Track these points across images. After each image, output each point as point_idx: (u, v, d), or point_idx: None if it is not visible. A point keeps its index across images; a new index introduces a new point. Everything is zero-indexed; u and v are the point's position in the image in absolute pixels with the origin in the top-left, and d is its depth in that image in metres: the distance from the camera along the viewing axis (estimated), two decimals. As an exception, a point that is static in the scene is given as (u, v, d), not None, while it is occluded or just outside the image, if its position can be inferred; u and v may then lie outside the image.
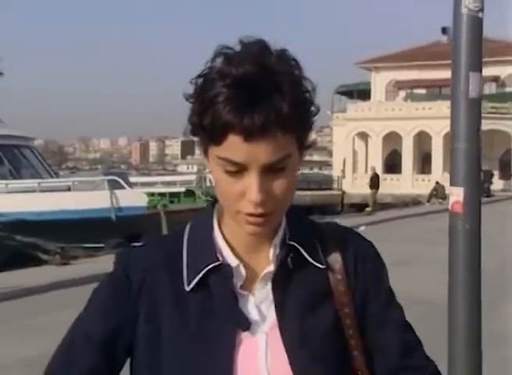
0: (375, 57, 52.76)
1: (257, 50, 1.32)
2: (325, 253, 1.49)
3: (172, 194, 23.01)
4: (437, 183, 36.67)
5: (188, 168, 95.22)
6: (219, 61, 1.34)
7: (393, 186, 44.74)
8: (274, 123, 1.27)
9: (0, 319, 8.99)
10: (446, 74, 34.59)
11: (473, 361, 3.15)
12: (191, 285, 1.42)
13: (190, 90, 1.37)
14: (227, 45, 1.36)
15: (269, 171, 1.31)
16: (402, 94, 50.80)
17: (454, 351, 3.02)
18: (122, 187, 20.88)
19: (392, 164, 47.95)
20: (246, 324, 1.41)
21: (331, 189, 44.36)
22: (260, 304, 1.43)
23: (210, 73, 1.34)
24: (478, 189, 3.57)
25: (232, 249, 1.45)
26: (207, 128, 1.31)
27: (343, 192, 40.90)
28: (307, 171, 65.19)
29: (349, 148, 49.59)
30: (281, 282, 1.44)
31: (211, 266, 1.41)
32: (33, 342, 7.43)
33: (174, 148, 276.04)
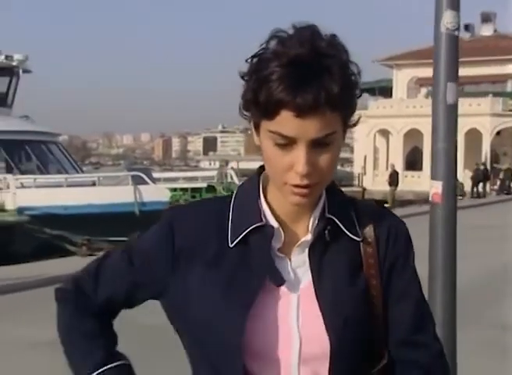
0: (396, 54, 52.55)
1: (309, 34, 1.39)
2: (360, 227, 1.56)
3: (193, 190, 23.27)
4: (456, 179, 37.17)
5: (210, 164, 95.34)
6: (273, 43, 1.41)
7: (414, 183, 44.62)
8: (324, 101, 1.35)
9: (29, 306, 9.47)
10: (468, 71, 34.52)
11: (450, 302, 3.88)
12: (235, 242, 1.50)
13: (245, 69, 1.43)
14: (281, 29, 1.42)
15: (316, 146, 1.38)
16: (423, 91, 50.49)
17: (434, 294, 3.87)
18: (146, 183, 21.26)
19: (414, 161, 47.79)
20: (280, 281, 1.47)
21: (352, 186, 44.02)
22: (296, 268, 1.50)
23: (265, 53, 1.41)
24: (455, 183, 4.13)
25: (275, 216, 1.51)
26: (261, 104, 1.38)
27: (364, 189, 40.40)
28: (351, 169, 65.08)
29: (370, 145, 49.49)
30: (318, 251, 1.51)
31: (255, 225, 1.49)
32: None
33: (196, 144, 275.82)
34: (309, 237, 1.51)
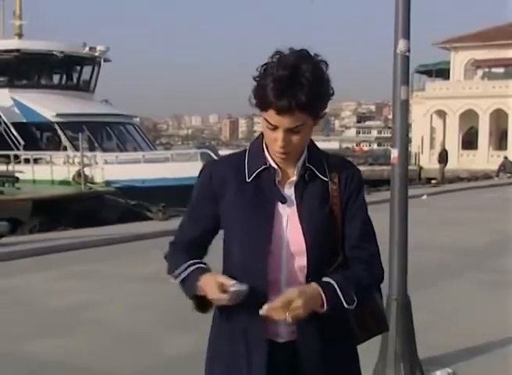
0: (454, 37, 51.61)
1: (295, 59, 2.01)
2: (329, 172, 2.15)
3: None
4: (505, 158, 36.79)
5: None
6: (275, 58, 2.03)
7: (470, 162, 45.05)
8: (294, 106, 1.97)
9: (119, 255, 11.43)
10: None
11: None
12: (251, 178, 2.14)
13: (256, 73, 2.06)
14: (281, 50, 2.04)
15: (290, 131, 2.02)
16: (480, 72, 50.08)
17: (393, 255, 5.08)
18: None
19: (470, 141, 47.69)
20: (284, 199, 2.13)
21: (409, 164, 43.24)
22: (287, 196, 2.14)
23: (267, 66, 2.04)
24: (407, 150, 5.39)
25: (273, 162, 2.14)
26: (259, 101, 2.05)
27: (421, 167, 40.11)
28: (388, 147, 64.78)
29: (427, 125, 49.28)
30: (300, 187, 2.14)
31: (264, 166, 2.14)
32: (145, 266, 9.87)
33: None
34: (295, 178, 2.13)
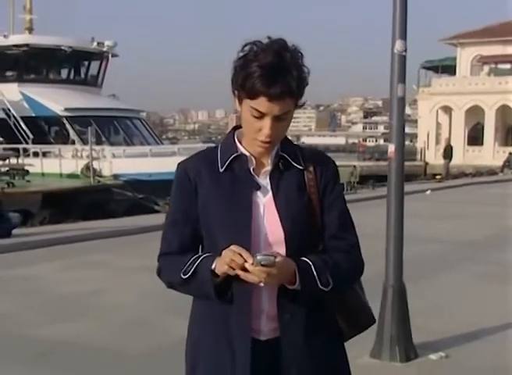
0: (460, 33, 51.25)
1: (278, 47, 2.00)
2: (304, 162, 2.15)
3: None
4: (510, 154, 36.79)
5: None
6: (254, 48, 2.01)
7: (476, 157, 45.10)
8: (286, 93, 1.98)
9: (126, 246, 11.69)
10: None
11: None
12: (224, 167, 2.12)
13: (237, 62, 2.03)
14: (258, 39, 2.02)
15: (277, 119, 2.02)
16: (486, 69, 49.69)
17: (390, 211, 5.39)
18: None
19: (476, 137, 47.57)
20: (258, 187, 2.11)
21: (415, 160, 43.34)
22: (263, 186, 2.13)
23: (248, 54, 2.01)
24: (403, 145, 5.63)
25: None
26: (246, 90, 2.00)
27: (426, 163, 40.66)
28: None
29: (432, 121, 49.08)
30: (275, 176, 2.13)
31: (235, 154, 2.13)
32: (151, 257, 10.30)
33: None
34: (269, 167, 2.13)
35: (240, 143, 2.15)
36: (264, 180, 2.13)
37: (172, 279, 2.15)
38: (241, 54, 2.03)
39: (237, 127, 2.20)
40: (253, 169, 2.12)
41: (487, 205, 18.43)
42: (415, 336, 5.57)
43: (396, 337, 5.39)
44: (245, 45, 2.03)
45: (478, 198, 21.22)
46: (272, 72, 1.96)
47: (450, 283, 8.63)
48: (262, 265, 1.92)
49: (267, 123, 2.02)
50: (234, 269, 1.96)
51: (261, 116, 2.01)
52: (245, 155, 2.13)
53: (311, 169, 2.15)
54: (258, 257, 1.92)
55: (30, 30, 33.15)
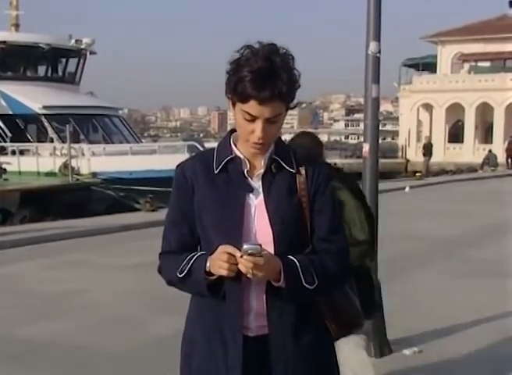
0: (441, 31, 51.62)
1: (268, 51, 2.07)
2: (296, 165, 2.20)
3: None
4: (489, 151, 36.88)
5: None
6: (246, 52, 2.08)
7: (456, 155, 45.21)
8: (276, 96, 2.04)
9: (108, 244, 11.81)
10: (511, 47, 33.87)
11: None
12: (218, 169, 2.19)
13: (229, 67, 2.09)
14: (250, 44, 2.09)
15: (268, 122, 2.08)
16: (466, 66, 49.92)
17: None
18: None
19: (456, 134, 47.80)
20: (251, 189, 2.17)
21: (396, 157, 43.86)
22: (255, 188, 2.18)
23: (240, 59, 2.08)
24: (377, 145, 5.75)
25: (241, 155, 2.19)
26: (238, 93, 2.07)
27: (407, 160, 40.95)
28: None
29: (413, 118, 49.36)
30: (267, 179, 2.18)
31: (229, 157, 2.19)
32: (132, 256, 10.28)
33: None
34: (262, 170, 2.19)
35: (236, 146, 2.22)
36: (257, 183, 2.19)
37: (171, 277, 2.22)
38: (234, 59, 2.10)
39: (234, 130, 2.25)
40: (247, 172, 2.19)
41: (463, 203, 18.57)
42: (390, 332, 5.67)
43: (370, 333, 5.47)
44: (237, 50, 2.10)
45: (456, 196, 21.34)
46: (262, 76, 2.03)
47: (425, 281, 8.74)
48: (249, 254, 1.98)
49: (258, 125, 2.09)
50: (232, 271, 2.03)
51: (252, 119, 2.08)
52: (239, 158, 2.19)
53: (303, 172, 2.20)
54: (245, 246, 1.99)
55: (17, 26, 32.84)
